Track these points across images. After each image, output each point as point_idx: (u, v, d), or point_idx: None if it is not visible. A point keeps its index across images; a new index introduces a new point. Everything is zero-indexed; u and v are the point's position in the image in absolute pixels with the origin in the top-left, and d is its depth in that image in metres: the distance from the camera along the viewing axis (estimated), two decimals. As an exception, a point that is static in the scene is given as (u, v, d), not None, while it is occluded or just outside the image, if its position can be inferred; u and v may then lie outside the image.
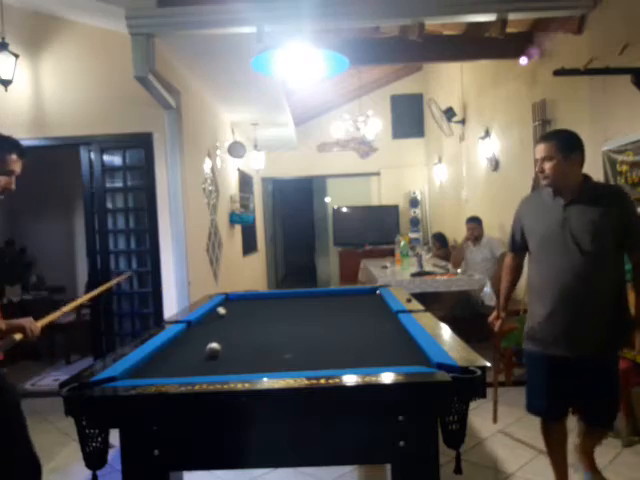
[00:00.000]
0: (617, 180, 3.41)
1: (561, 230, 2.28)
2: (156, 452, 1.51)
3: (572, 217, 2.27)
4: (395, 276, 5.28)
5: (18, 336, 2.06)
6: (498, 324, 2.71)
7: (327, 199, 10.56)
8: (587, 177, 2.34)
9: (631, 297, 2.38)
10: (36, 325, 2.13)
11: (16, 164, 2.05)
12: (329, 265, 10.59)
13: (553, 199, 2.34)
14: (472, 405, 1.48)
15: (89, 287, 4.56)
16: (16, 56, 3.86)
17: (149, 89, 3.83)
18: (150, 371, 1.76)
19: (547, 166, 2.28)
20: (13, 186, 2.06)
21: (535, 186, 4.63)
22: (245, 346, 2.23)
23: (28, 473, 2.12)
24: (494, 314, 2.73)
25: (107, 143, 4.41)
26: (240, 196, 7.03)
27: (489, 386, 1.53)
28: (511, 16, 3.54)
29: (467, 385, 1.47)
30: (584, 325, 2.29)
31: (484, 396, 1.49)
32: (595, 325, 2.28)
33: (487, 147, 6.05)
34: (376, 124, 7.84)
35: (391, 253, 7.17)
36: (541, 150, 2.31)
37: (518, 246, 2.56)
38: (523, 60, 4.67)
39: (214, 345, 1.97)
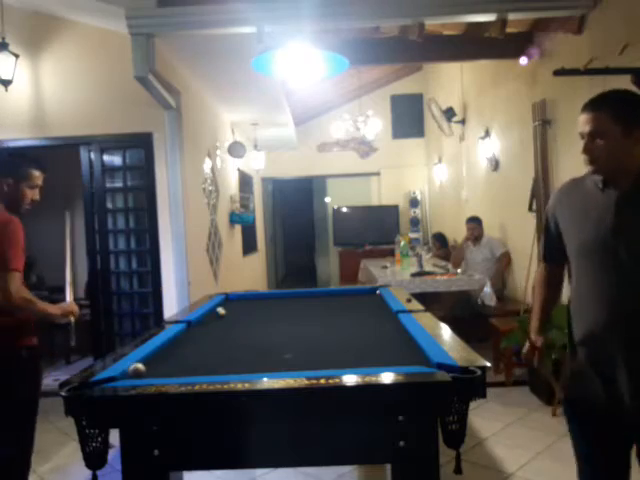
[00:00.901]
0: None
1: (612, 236, 1.61)
2: (156, 452, 1.51)
3: (629, 218, 1.61)
4: (395, 276, 5.28)
5: (72, 318, 2.48)
6: (536, 356, 1.88)
7: (327, 199, 10.56)
8: None
9: None
10: (76, 306, 2.54)
11: (38, 178, 2.45)
12: (329, 265, 10.59)
13: (602, 191, 1.67)
14: (472, 405, 1.48)
15: (89, 287, 4.56)
16: (16, 56, 3.86)
17: (149, 89, 3.83)
18: (150, 371, 1.76)
19: (598, 145, 1.61)
20: (37, 197, 2.45)
21: (535, 187, 4.63)
22: (245, 346, 2.23)
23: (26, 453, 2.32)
24: (527, 346, 1.89)
25: (107, 143, 4.41)
26: (240, 196, 7.03)
27: (489, 386, 1.52)
28: (511, 16, 3.54)
29: (467, 385, 1.47)
30: None
31: (484, 396, 1.49)
32: None
33: (487, 147, 6.05)
34: (376, 124, 7.84)
35: (391, 253, 7.17)
36: (587, 121, 1.63)
37: (553, 254, 1.85)
38: (523, 60, 4.67)
39: (139, 365, 1.74)
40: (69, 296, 2.70)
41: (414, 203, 9.64)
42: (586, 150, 1.64)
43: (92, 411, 1.49)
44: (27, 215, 2.44)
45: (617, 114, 1.58)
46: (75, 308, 2.51)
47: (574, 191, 1.78)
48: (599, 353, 1.66)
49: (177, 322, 2.61)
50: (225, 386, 1.51)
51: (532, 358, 1.86)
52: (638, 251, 1.59)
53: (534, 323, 1.90)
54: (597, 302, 1.65)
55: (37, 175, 2.44)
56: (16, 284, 2.16)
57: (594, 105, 1.63)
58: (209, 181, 5.43)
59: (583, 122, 1.64)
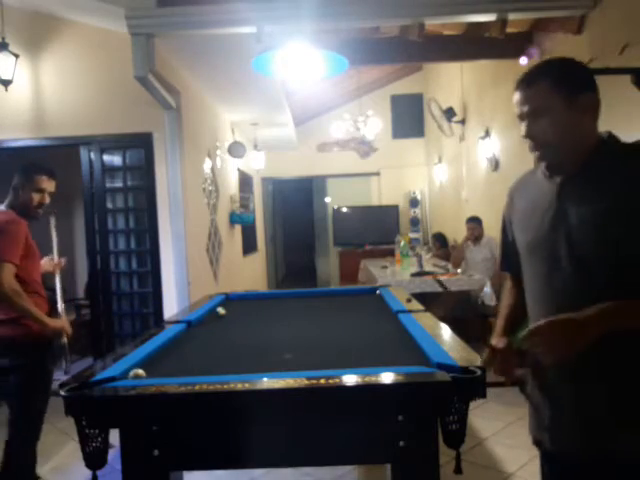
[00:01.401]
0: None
1: (551, 229, 1.35)
2: (156, 452, 1.51)
3: (570, 209, 1.31)
4: (395, 276, 5.28)
5: (65, 338, 2.70)
6: (499, 362, 1.45)
7: (327, 199, 10.55)
8: (608, 137, 1.38)
9: None
10: (68, 325, 2.70)
11: (47, 183, 2.68)
12: (329, 265, 10.59)
13: (548, 179, 1.40)
14: (472, 405, 1.48)
15: (89, 287, 4.56)
16: (16, 56, 3.86)
17: (149, 89, 3.83)
18: (150, 371, 1.76)
19: (541, 124, 1.33)
20: (46, 200, 2.70)
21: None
22: (245, 346, 2.23)
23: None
24: (487, 351, 1.48)
25: (107, 143, 4.41)
26: (240, 196, 7.03)
27: (489, 386, 1.52)
28: (511, 16, 3.54)
29: (467, 385, 1.47)
30: (579, 398, 1.31)
31: (484, 396, 1.49)
32: (600, 396, 1.28)
33: (487, 147, 6.05)
34: (376, 124, 7.84)
35: (391, 253, 7.17)
36: (525, 99, 1.35)
37: (511, 261, 1.57)
38: (523, 60, 4.67)
39: (139, 372, 1.74)
40: (62, 312, 2.86)
41: (414, 203, 9.64)
42: (530, 133, 1.36)
43: (92, 411, 1.49)
44: (39, 219, 2.72)
45: (556, 81, 1.32)
46: (67, 327, 2.68)
47: (524, 186, 1.52)
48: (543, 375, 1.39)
49: (177, 322, 2.61)
50: (225, 386, 1.51)
51: (493, 364, 1.44)
52: (578, 250, 1.29)
53: (497, 326, 1.59)
54: (539, 311, 1.38)
55: (43, 180, 2.66)
56: (7, 274, 2.36)
57: (530, 79, 1.36)
58: (209, 181, 5.43)
59: (520, 101, 1.36)
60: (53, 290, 5.94)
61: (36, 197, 2.64)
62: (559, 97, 1.31)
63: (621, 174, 1.28)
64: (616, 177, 1.29)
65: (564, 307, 1.27)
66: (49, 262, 3.02)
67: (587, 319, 1.20)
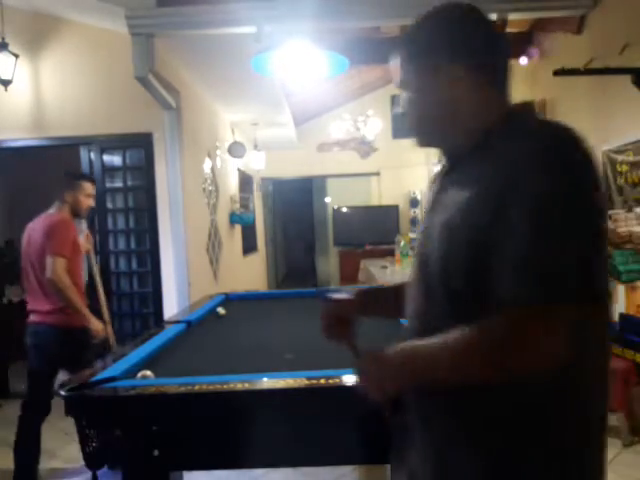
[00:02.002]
0: (617, 180, 3.41)
1: (422, 236, 1.08)
2: (156, 452, 1.51)
3: (439, 208, 1.01)
4: (395, 276, 5.27)
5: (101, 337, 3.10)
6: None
7: (327, 199, 10.55)
8: (513, 114, 1.02)
9: None
10: (102, 328, 3.10)
11: (90, 188, 3.11)
12: (329, 265, 10.58)
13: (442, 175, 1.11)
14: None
15: (89, 287, 4.55)
16: (16, 56, 3.86)
17: (149, 89, 3.83)
18: (150, 371, 1.75)
19: (410, 102, 1.06)
20: (92, 203, 3.16)
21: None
22: (245, 346, 2.23)
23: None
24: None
25: (107, 143, 4.41)
26: (240, 196, 7.03)
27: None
28: (511, 16, 3.54)
29: (467, 385, 1.47)
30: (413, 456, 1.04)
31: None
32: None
33: (487, 147, 6.04)
34: (376, 124, 7.84)
35: (391, 253, 7.17)
36: (393, 74, 1.08)
37: None
38: (523, 60, 4.67)
39: (147, 373, 1.75)
40: (106, 319, 3.34)
41: (414, 203, 9.63)
42: (405, 115, 1.08)
43: (92, 411, 1.49)
44: (86, 218, 3.34)
45: (412, 47, 1.03)
46: (102, 331, 3.05)
47: (432, 186, 1.14)
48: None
49: (177, 322, 2.61)
50: (225, 386, 1.51)
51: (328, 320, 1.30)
52: (426, 256, 0.99)
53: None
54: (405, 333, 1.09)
55: (89, 186, 3.10)
56: (60, 267, 2.78)
57: (395, 50, 1.07)
58: (209, 181, 5.43)
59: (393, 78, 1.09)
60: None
61: (86, 201, 3.09)
62: (418, 65, 1.02)
63: (482, 169, 0.91)
64: (475, 172, 0.92)
65: (410, 329, 1.07)
66: (85, 238, 3.46)
67: (390, 358, 0.98)
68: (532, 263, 0.79)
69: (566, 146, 0.86)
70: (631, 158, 3.25)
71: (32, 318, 2.95)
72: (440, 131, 1.04)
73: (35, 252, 2.91)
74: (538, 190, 0.81)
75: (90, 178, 3.23)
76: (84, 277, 3.36)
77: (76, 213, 3.09)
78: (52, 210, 3.08)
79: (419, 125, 1.06)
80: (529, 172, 0.82)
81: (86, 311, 2.93)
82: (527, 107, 1.06)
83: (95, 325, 2.97)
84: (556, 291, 0.78)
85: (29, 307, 2.99)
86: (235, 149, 6.47)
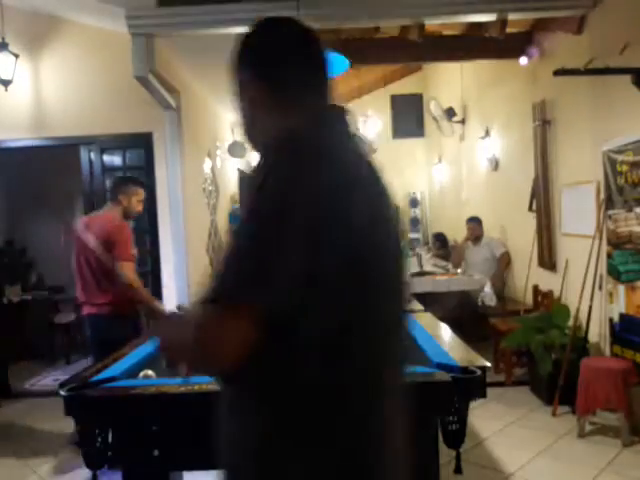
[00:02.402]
0: (617, 180, 3.41)
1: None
2: (156, 452, 1.51)
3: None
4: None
5: None
6: None
7: (327, 199, 10.54)
8: (295, 129, 0.95)
9: None
10: None
11: (142, 194, 3.29)
12: (329, 265, 10.57)
13: None
14: (472, 405, 1.48)
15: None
16: (16, 56, 3.86)
17: (149, 89, 3.83)
18: (152, 371, 1.75)
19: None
20: (141, 208, 3.32)
21: (535, 187, 4.63)
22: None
23: None
24: None
25: (107, 143, 4.41)
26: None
27: (489, 386, 1.52)
28: (511, 16, 3.54)
29: (467, 385, 1.47)
30: None
31: (484, 396, 1.49)
32: None
33: (487, 147, 6.04)
34: (376, 124, 7.84)
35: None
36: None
37: None
38: (523, 60, 4.66)
39: (149, 372, 1.77)
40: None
41: (414, 203, 9.63)
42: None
43: (92, 411, 1.49)
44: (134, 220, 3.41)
45: (231, 62, 1.12)
46: (163, 308, 3.28)
47: None
48: None
49: (177, 322, 2.60)
50: (225, 386, 1.51)
51: None
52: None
53: None
54: None
55: (141, 191, 3.28)
56: (131, 271, 3.04)
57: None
58: (209, 181, 5.43)
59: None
60: (54, 289, 5.89)
61: (138, 206, 3.28)
62: (234, 73, 1.10)
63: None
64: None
65: None
66: None
67: (172, 322, 1.05)
68: (219, 268, 0.88)
69: (283, 165, 0.87)
70: (631, 158, 3.24)
71: (88, 310, 3.14)
72: (250, 141, 1.09)
73: (92, 250, 3.04)
74: (248, 207, 0.87)
75: (142, 183, 3.41)
76: None
77: (127, 216, 3.24)
78: (106, 211, 3.23)
79: (242, 132, 1.10)
80: (252, 189, 0.87)
81: (152, 299, 3.24)
82: (319, 121, 1.03)
83: (160, 306, 3.30)
84: (226, 293, 0.85)
85: (83, 299, 3.15)
86: (235, 149, 6.46)
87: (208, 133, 5.61)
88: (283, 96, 1.02)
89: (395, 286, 1.06)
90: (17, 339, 5.22)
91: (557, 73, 3.39)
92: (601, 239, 3.58)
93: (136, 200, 3.25)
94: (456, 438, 1.47)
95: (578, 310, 3.73)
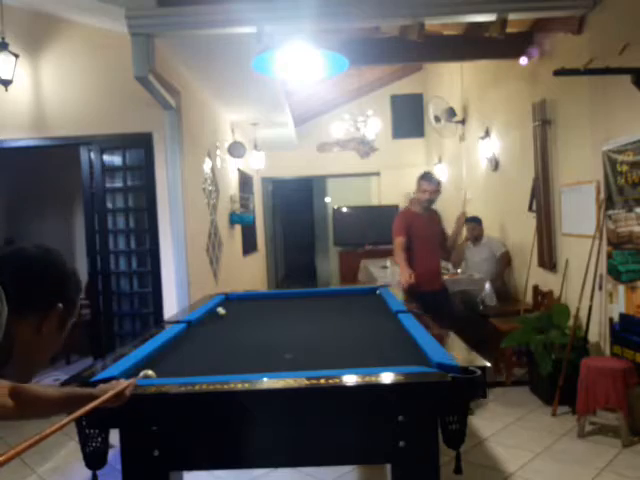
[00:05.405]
0: (617, 180, 3.41)
1: None
2: (156, 452, 1.51)
3: None
4: (395, 276, 5.27)
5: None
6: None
7: (327, 199, 10.55)
8: None
9: None
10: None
11: (428, 186, 4.15)
12: (329, 265, 10.58)
13: None
14: (472, 405, 1.48)
15: (89, 287, 4.56)
16: (16, 56, 3.86)
17: (149, 89, 3.83)
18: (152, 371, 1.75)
19: None
20: (427, 197, 4.20)
21: (535, 187, 4.63)
22: (245, 346, 2.23)
23: None
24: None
25: (107, 143, 4.41)
26: (240, 196, 7.03)
27: (489, 386, 1.52)
28: (511, 16, 3.54)
29: (467, 385, 1.47)
30: None
31: (484, 396, 1.49)
32: None
33: (487, 147, 6.04)
34: (376, 124, 7.83)
35: (391, 253, 7.14)
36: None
37: None
38: (523, 60, 4.66)
39: (149, 372, 1.73)
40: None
41: (414, 203, 9.62)
42: None
43: (92, 411, 1.49)
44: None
45: None
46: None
47: None
48: None
49: (177, 322, 2.61)
50: (225, 386, 1.51)
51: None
52: None
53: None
54: None
55: (425, 184, 4.15)
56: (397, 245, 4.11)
57: None
58: (209, 181, 5.43)
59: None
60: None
61: (422, 197, 4.16)
62: None
63: None
64: None
65: None
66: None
67: None
68: None
69: None
70: (631, 158, 3.24)
71: None
72: None
73: None
74: None
75: (429, 177, 4.22)
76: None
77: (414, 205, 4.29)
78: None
79: None
80: None
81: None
82: None
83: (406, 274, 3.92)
84: None
85: None
86: (235, 149, 6.47)
87: (208, 133, 5.61)
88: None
89: None
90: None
91: (557, 73, 3.39)
92: (601, 239, 3.58)
93: (420, 192, 4.16)
94: (456, 438, 1.47)
95: (578, 310, 3.73)
